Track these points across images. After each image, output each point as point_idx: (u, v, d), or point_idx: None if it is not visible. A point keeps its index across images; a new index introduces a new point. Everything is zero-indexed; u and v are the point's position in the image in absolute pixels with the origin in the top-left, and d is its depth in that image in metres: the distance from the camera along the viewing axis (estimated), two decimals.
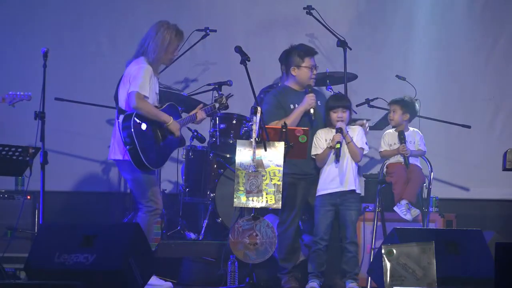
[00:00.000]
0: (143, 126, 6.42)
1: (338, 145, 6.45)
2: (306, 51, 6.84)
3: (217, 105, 7.00)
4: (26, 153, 6.40)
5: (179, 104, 7.32)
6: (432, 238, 5.78)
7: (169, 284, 6.61)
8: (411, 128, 6.99)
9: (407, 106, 6.92)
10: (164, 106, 6.64)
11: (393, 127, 6.97)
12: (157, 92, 6.66)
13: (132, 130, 6.33)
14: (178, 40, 6.64)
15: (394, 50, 8.69)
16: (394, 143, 6.86)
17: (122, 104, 6.51)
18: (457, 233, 6.22)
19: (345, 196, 6.53)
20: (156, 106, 6.55)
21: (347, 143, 6.53)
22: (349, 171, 6.53)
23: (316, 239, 6.54)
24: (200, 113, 6.76)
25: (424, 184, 6.94)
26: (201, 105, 6.87)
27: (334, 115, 6.57)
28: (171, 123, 6.54)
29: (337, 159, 6.46)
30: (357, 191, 6.56)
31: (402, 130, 6.85)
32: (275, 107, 6.76)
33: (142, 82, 6.41)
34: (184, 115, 6.94)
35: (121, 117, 6.44)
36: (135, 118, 6.37)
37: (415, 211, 6.69)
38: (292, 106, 6.74)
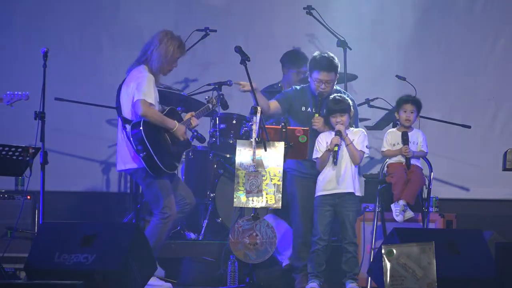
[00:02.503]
0: (153, 132, 6.41)
1: (336, 148, 6.45)
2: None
3: (210, 106, 7.02)
4: (26, 153, 6.40)
5: (179, 104, 7.34)
6: (432, 238, 5.78)
7: (169, 284, 6.61)
8: (414, 129, 6.95)
9: (420, 107, 6.90)
10: (166, 111, 6.63)
11: (405, 127, 6.88)
12: (158, 101, 6.65)
13: (144, 136, 6.32)
14: (180, 53, 6.62)
15: (394, 50, 8.69)
16: (398, 143, 6.83)
17: (126, 113, 6.49)
18: (457, 233, 6.22)
19: (343, 197, 6.52)
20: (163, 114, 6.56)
21: (347, 145, 6.52)
22: (348, 173, 6.52)
23: (315, 239, 6.54)
24: (193, 120, 6.75)
25: (424, 185, 6.92)
26: (193, 113, 6.83)
27: (333, 119, 6.57)
28: (177, 128, 6.55)
29: (335, 162, 6.46)
30: (356, 194, 6.55)
31: (406, 131, 6.81)
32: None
33: (147, 91, 6.40)
34: (183, 115, 6.95)
35: (128, 126, 6.43)
36: (144, 125, 6.37)
37: (409, 214, 6.65)
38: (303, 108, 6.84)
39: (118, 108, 6.59)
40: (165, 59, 6.53)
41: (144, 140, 6.32)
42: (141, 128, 6.34)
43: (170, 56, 6.54)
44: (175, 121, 6.56)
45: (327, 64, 6.67)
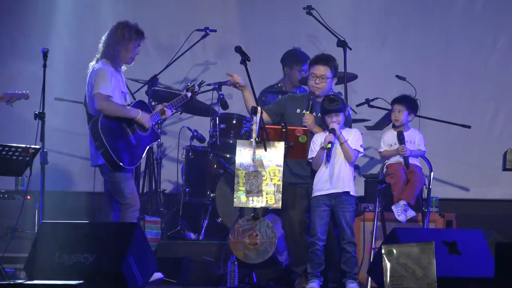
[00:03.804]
0: (111, 127, 6.44)
1: (329, 145, 6.43)
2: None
3: (189, 94, 7.00)
4: (26, 153, 6.39)
5: None
6: (432, 238, 5.79)
7: (159, 274, 6.59)
8: (411, 128, 6.96)
9: (413, 106, 6.90)
10: (133, 103, 6.65)
11: (396, 126, 6.91)
12: (125, 91, 6.68)
13: (100, 132, 6.37)
14: (138, 38, 6.64)
15: (394, 50, 8.69)
16: (395, 143, 6.84)
17: (90, 109, 6.54)
18: (457, 233, 6.22)
19: (339, 198, 6.51)
20: (124, 105, 6.57)
21: (341, 144, 6.51)
22: (343, 172, 6.51)
23: (313, 239, 6.53)
24: (164, 111, 6.75)
25: (424, 185, 6.92)
26: (164, 104, 6.83)
27: (328, 119, 6.57)
28: (140, 117, 6.56)
29: (328, 159, 6.44)
30: (351, 193, 6.54)
31: (401, 131, 6.82)
32: None
33: (103, 83, 6.44)
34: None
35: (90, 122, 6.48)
36: (102, 120, 6.39)
37: (411, 213, 6.65)
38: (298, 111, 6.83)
39: (85, 105, 6.64)
40: (119, 45, 6.56)
41: (101, 135, 6.37)
42: (98, 123, 6.39)
43: (126, 42, 6.57)
44: (138, 110, 6.57)
45: (320, 58, 6.77)
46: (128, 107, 6.56)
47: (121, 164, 6.42)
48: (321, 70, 6.72)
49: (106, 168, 6.50)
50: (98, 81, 6.46)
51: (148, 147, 6.82)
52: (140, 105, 6.69)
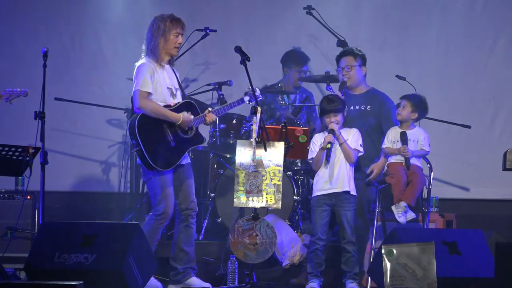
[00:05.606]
0: (149, 126, 6.35)
1: (328, 146, 6.44)
2: None
3: (246, 98, 6.72)
4: (26, 153, 6.39)
5: None
6: (432, 238, 5.79)
7: (159, 283, 6.57)
8: (416, 127, 6.93)
9: (417, 105, 6.88)
10: (178, 104, 6.52)
11: (400, 124, 6.90)
12: (171, 86, 6.52)
13: (136, 131, 6.28)
14: (175, 26, 6.51)
15: (394, 50, 8.69)
16: (397, 140, 6.82)
17: (133, 106, 6.46)
18: (457, 233, 6.22)
19: (340, 197, 6.52)
20: (169, 105, 6.45)
21: (340, 144, 6.52)
22: (343, 172, 6.52)
23: (313, 239, 6.54)
24: (209, 116, 6.57)
25: (424, 185, 6.91)
26: (210, 109, 6.67)
27: (327, 120, 6.58)
28: (182, 121, 6.42)
29: (327, 159, 6.45)
30: (352, 193, 6.54)
31: (404, 131, 6.81)
32: None
33: (142, 79, 6.34)
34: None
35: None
36: (140, 118, 6.32)
37: (411, 215, 6.63)
38: None
39: (131, 101, 6.59)
40: (157, 36, 6.45)
41: (136, 135, 6.27)
42: (135, 122, 6.30)
43: (162, 32, 6.46)
44: (181, 114, 6.44)
45: (343, 51, 7.08)
46: (170, 111, 6.40)
47: (153, 165, 6.27)
48: (346, 61, 7.04)
49: (143, 168, 6.40)
50: (138, 78, 6.35)
51: (188, 151, 6.57)
52: (186, 106, 6.53)
